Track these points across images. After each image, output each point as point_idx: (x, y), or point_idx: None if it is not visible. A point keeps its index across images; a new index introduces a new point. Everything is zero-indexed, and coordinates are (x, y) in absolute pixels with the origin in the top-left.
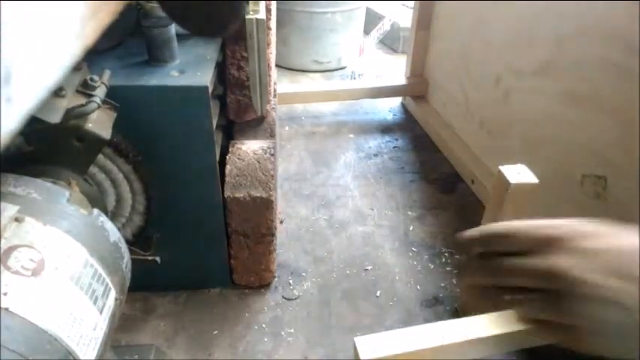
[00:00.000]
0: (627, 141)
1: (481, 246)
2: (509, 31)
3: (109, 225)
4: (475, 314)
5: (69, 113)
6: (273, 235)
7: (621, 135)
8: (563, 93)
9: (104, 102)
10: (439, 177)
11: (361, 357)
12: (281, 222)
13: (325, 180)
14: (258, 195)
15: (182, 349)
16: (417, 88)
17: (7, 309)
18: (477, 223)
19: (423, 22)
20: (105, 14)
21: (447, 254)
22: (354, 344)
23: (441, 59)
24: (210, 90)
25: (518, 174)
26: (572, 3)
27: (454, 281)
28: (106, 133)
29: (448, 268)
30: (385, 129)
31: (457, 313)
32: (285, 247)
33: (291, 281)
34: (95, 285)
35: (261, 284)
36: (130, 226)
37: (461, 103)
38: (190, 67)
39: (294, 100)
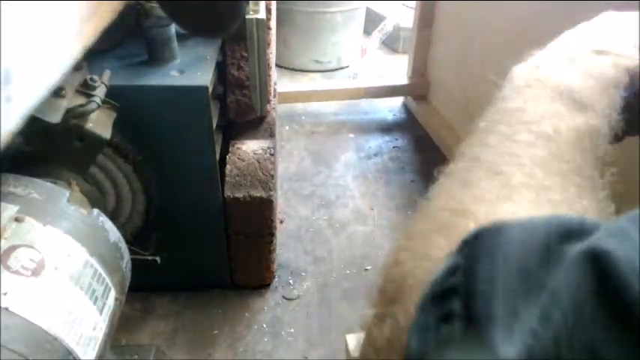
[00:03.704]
0: (626, 139)
1: None
2: (510, 31)
3: (109, 225)
4: None
5: (69, 113)
6: (273, 235)
7: None
8: None
9: (104, 102)
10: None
11: (352, 355)
12: (281, 222)
13: (325, 180)
14: (258, 195)
15: (182, 349)
16: (418, 88)
17: (7, 309)
18: None
19: (425, 22)
20: (104, 14)
21: None
22: (346, 341)
23: (442, 59)
24: (210, 90)
25: None
26: (571, 2)
27: None
28: (106, 133)
29: None
30: (385, 129)
31: None
32: (285, 247)
33: (291, 281)
34: (95, 285)
35: (261, 284)
36: (130, 226)
37: (461, 103)
38: (190, 67)
39: (295, 99)
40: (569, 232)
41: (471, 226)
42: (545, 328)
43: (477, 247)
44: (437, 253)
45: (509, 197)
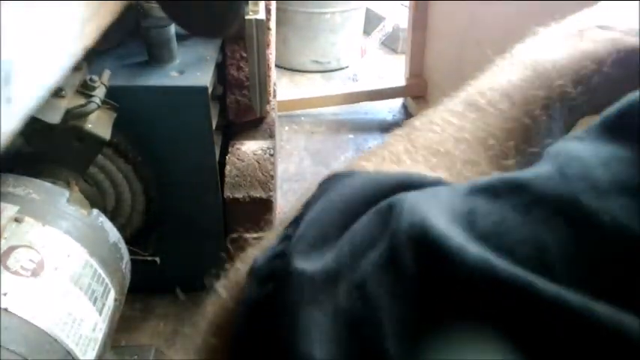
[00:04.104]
0: None
1: None
2: (504, 30)
3: (109, 225)
4: None
5: (69, 113)
6: None
7: None
8: None
9: (104, 102)
10: None
11: None
12: None
13: None
14: (258, 195)
15: (182, 350)
16: (416, 89)
17: (6, 309)
18: None
19: (419, 22)
20: (105, 14)
21: None
22: None
23: (438, 59)
24: (209, 90)
25: None
26: (569, 2)
27: None
28: (105, 133)
29: None
30: (385, 129)
31: None
32: None
33: None
34: (95, 285)
35: None
36: (130, 226)
37: None
38: (190, 68)
39: (294, 106)
40: (407, 186)
41: None
42: (337, 257)
43: (324, 185)
44: None
45: (397, 161)
